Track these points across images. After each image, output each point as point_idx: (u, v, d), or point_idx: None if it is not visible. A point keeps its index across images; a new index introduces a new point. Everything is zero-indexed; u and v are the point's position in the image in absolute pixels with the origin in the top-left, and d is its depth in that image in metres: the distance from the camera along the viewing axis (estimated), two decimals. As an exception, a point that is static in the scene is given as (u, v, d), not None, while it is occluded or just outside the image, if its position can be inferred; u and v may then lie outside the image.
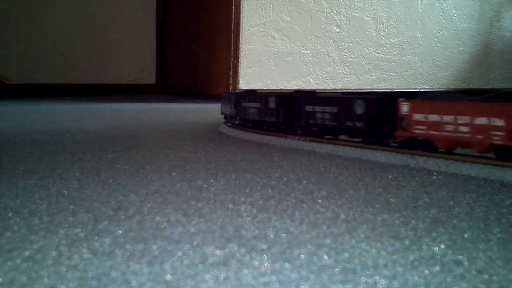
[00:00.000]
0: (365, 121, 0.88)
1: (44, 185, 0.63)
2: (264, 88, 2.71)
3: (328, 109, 0.95)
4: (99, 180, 0.66)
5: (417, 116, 0.80)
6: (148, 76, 3.41)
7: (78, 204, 0.54)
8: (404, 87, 2.93)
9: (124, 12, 3.31)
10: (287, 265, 0.37)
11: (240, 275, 0.35)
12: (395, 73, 2.94)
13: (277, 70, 2.76)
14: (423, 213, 0.51)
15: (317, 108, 0.98)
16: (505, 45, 3.08)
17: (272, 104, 1.09)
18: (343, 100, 0.93)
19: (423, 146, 0.81)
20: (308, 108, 1.00)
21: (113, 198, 0.57)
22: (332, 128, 0.97)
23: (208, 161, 0.83)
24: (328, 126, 0.96)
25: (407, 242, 0.42)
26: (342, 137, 0.98)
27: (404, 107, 0.82)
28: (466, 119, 0.73)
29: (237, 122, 1.28)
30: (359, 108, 0.89)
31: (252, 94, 1.22)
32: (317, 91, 1.37)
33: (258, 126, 1.18)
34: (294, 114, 1.05)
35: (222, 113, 1.40)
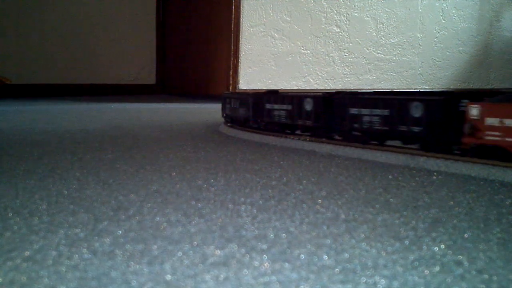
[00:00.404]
0: (424, 126, 0.79)
1: (44, 185, 0.63)
2: (264, 88, 2.71)
3: (378, 111, 0.86)
4: (99, 180, 0.66)
5: (491, 121, 0.71)
6: (148, 76, 3.41)
7: (78, 204, 0.54)
8: (404, 87, 2.93)
9: (124, 12, 3.31)
10: (287, 265, 0.37)
11: (240, 275, 0.35)
12: (395, 73, 2.94)
13: (277, 70, 2.76)
14: (423, 213, 0.51)
15: (364, 111, 0.88)
16: (505, 45, 3.08)
17: (308, 106, 1.00)
18: (397, 102, 0.84)
19: (496, 154, 0.71)
20: (353, 110, 0.91)
21: (113, 198, 0.56)
22: (381, 133, 0.87)
23: (208, 161, 0.83)
24: (378, 130, 0.87)
25: (407, 242, 0.42)
26: (393, 143, 0.89)
27: (474, 110, 0.73)
28: None
29: (255, 126, 1.17)
30: (417, 110, 0.79)
31: (275, 94, 1.13)
32: (360, 91, 1.30)
33: (286, 130, 1.08)
34: (335, 118, 0.96)
35: (224, 115, 1.34)
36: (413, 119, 0.80)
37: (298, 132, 1.06)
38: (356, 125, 0.90)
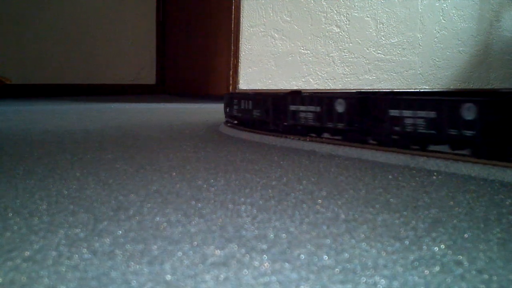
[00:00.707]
0: (478, 130, 0.72)
1: (44, 185, 0.63)
2: (264, 88, 2.71)
3: (423, 113, 0.79)
4: (99, 180, 0.66)
5: None
6: (148, 76, 3.41)
7: (78, 204, 0.54)
8: (404, 87, 2.93)
9: (124, 12, 3.31)
10: (287, 265, 0.37)
11: (240, 275, 0.35)
12: (395, 73, 2.94)
13: (277, 70, 2.76)
14: (423, 213, 0.51)
15: (407, 113, 0.82)
16: (505, 45, 3.08)
17: (340, 108, 0.93)
18: (448, 103, 0.76)
19: None
20: (394, 112, 0.84)
21: (113, 198, 0.56)
22: (426, 137, 0.80)
23: (208, 161, 0.83)
24: (422, 134, 0.80)
25: (407, 242, 0.42)
26: (436, 148, 0.82)
27: None
28: None
29: (275, 129, 1.10)
30: (470, 113, 0.73)
31: (300, 95, 1.05)
32: (393, 91, 1.22)
33: (311, 133, 1.02)
34: (371, 120, 0.89)
35: (230, 117, 1.28)
36: (465, 122, 0.73)
37: (326, 135, 1.00)
38: (396, 128, 0.84)
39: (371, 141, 0.90)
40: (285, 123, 1.07)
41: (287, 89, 2.72)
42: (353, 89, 2.81)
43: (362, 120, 0.90)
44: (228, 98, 1.31)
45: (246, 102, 1.18)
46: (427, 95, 0.84)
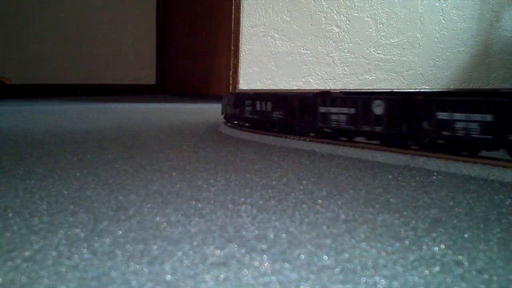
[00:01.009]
0: None
1: (44, 185, 0.63)
2: (265, 88, 2.71)
3: (478, 117, 0.73)
4: (99, 180, 0.66)
5: None
6: (148, 76, 3.41)
7: (78, 204, 0.54)
8: (404, 88, 2.93)
9: (124, 12, 3.31)
10: (287, 265, 0.37)
11: (240, 275, 0.35)
12: (395, 73, 2.94)
13: (277, 70, 2.76)
14: (423, 213, 0.51)
15: (458, 116, 0.75)
16: (505, 45, 3.08)
17: (378, 110, 0.87)
18: (508, 105, 0.70)
19: None
20: (442, 115, 0.77)
21: (113, 198, 0.56)
22: (480, 142, 0.74)
23: (208, 161, 0.83)
24: (475, 139, 0.74)
25: (407, 242, 0.42)
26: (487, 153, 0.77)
27: None
28: None
29: (300, 132, 1.03)
30: None
31: (330, 96, 0.98)
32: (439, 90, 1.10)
33: (344, 136, 0.96)
34: (414, 123, 0.83)
35: (240, 119, 1.22)
36: None
37: (361, 139, 0.93)
38: (445, 133, 0.77)
39: (412, 146, 0.84)
40: (315, 126, 1.00)
41: (287, 89, 2.73)
42: (353, 89, 2.81)
43: (403, 124, 0.84)
44: (236, 98, 1.25)
45: (264, 103, 1.11)
46: (477, 96, 0.78)
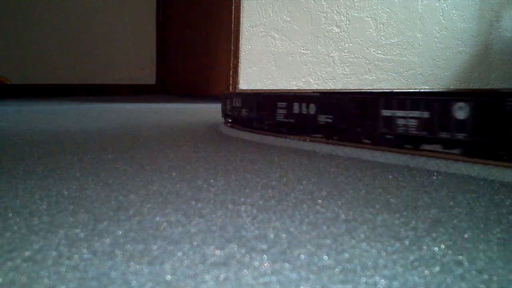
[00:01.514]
0: None
1: (44, 185, 0.63)
2: (265, 88, 2.71)
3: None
4: (99, 180, 0.66)
5: None
6: (148, 76, 3.41)
7: (78, 204, 0.54)
8: (404, 87, 2.93)
9: (124, 12, 3.31)
10: (287, 265, 0.37)
11: (240, 275, 0.35)
12: (395, 73, 2.94)
13: (277, 70, 2.76)
14: (423, 213, 0.51)
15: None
16: (505, 45, 3.08)
17: (460, 113, 0.73)
18: None
19: None
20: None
21: (113, 198, 0.56)
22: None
23: (208, 161, 0.83)
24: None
25: (407, 242, 0.42)
26: None
27: None
28: None
29: (356, 138, 0.92)
30: None
31: (394, 97, 0.85)
32: None
33: (411, 144, 0.84)
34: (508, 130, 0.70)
35: (273, 125, 1.08)
36: None
37: (435, 148, 0.81)
38: None
39: (504, 158, 0.73)
40: (377, 132, 0.88)
41: (287, 89, 2.73)
42: (353, 89, 2.81)
43: (494, 130, 0.71)
44: (258, 99, 1.12)
45: (305, 104, 1.01)
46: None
